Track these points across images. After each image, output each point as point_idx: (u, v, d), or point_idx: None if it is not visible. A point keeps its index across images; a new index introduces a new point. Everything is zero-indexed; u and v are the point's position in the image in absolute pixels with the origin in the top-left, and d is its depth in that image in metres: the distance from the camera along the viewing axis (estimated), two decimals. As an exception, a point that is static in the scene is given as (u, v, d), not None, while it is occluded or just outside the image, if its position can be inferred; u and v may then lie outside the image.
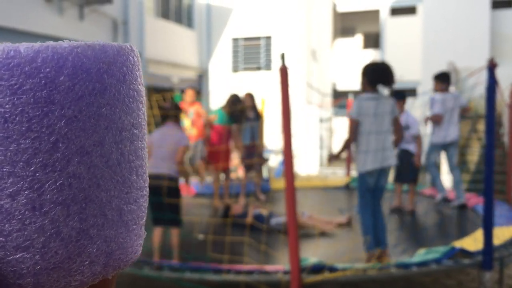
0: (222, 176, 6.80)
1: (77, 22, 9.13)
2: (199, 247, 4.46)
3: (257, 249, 4.27)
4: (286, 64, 3.23)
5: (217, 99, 14.37)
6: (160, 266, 3.55)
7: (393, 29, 16.38)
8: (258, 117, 7.20)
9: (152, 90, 6.22)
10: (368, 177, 4.01)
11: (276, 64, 14.02)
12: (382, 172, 4.03)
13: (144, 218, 0.41)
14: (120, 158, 0.38)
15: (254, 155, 6.81)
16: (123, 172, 0.38)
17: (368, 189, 4.03)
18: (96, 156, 0.36)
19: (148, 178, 0.41)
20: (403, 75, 13.73)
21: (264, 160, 7.53)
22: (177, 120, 4.72)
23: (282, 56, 3.21)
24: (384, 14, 16.73)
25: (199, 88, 14.53)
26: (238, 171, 10.18)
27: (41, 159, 0.34)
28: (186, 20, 14.05)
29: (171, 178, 4.30)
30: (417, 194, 6.83)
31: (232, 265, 3.61)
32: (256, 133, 6.99)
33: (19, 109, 0.34)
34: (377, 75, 4.00)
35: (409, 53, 15.59)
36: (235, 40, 14.72)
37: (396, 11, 16.85)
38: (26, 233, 0.34)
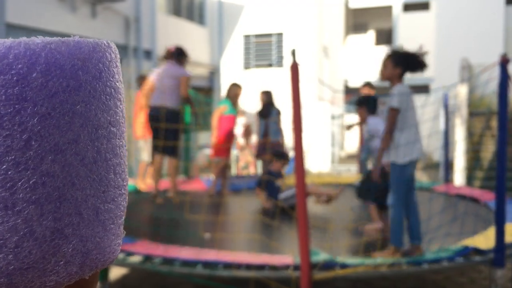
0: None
1: (89, 19, 9.19)
2: (207, 245, 4.48)
3: (268, 243, 4.27)
4: (297, 60, 3.22)
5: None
6: (170, 261, 3.57)
7: (406, 25, 16.27)
8: (277, 114, 7.21)
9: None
10: (409, 168, 3.92)
11: (287, 61, 14.00)
12: (415, 163, 4.00)
13: (123, 218, 0.40)
14: (96, 156, 0.37)
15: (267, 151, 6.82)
16: (100, 171, 0.37)
17: (406, 180, 3.95)
18: (70, 154, 0.35)
19: (127, 176, 0.41)
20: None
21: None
22: (179, 60, 5.48)
23: (293, 53, 3.20)
24: (397, 10, 16.61)
25: (211, 85, 14.56)
26: (249, 167, 10.19)
27: (13, 157, 0.33)
28: (197, 17, 14.07)
29: (172, 111, 5.23)
30: (431, 190, 6.79)
31: (242, 257, 3.61)
32: (272, 130, 6.97)
33: None
34: (412, 65, 3.92)
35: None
36: (247, 37, 14.72)
37: (408, 7, 16.72)
38: None
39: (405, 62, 3.89)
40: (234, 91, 6.54)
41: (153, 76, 5.68)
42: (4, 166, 0.33)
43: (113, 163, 0.38)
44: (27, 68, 0.34)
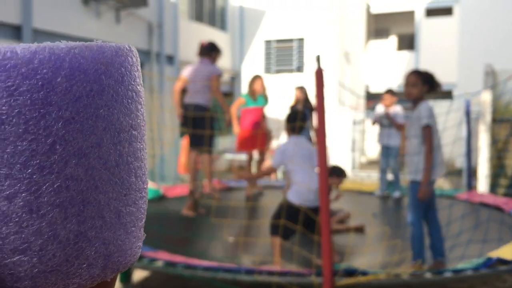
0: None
1: (113, 25, 9.33)
2: (230, 249, 4.50)
3: (289, 249, 4.27)
4: (321, 66, 3.23)
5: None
6: (193, 265, 3.60)
7: (429, 30, 16.11)
8: (310, 110, 7.17)
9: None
10: (432, 185, 3.96)
11: (309, 66, 13.99)
12: (435, 182, 4.04)
13: (143, 220, 0.40)
14: (119, 159, 0.37)
15: None
16: (122, 174, 0.37)
17: (429, 198, 3.94)
18: (94, 158, 0.35)
19: (147, 179, 0.41)
20: (438, 77, 13.50)
21: None
22: (210, 56, 5.57)
23: (318, 59, 3.21)
24: (419, 15, 16.47)
25: (231, 90, 14.62)
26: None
27: (38, 161, 0.34)
28: (219, 23, 14.16)
29: (201, 106, 5.39)
30: (453, 198, 6.71)
31: (264, 266, 3.63)
32: (306, 127, 6.94)
33: (16, 110, 0.33)
34: (434, 83, 3.99)
35: (445, 55, 15.30)
36: (268, 42, 14.76)
37: (431, 12, 16.57)
38: (23, 235, 0.34)
39: (430, 80, 3.96)
40: (251, 84, 6.60)
41: (185, 72, 5.69)
42: (30, 170, 0.33)
43: (134, 166, 0.38)
44: (52, 73, 0.34)
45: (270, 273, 3.46)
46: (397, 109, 7.13)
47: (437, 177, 3.98)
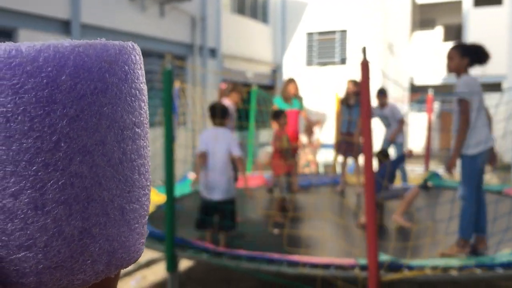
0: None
1: (158, 19, 9.47)
2: (275, 241, 4.52)
3: (333, 242, 4.25)
4: (367, 58, 3.18)
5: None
6: (237, 256, 3.63)
7: (477, 21, 15.59)
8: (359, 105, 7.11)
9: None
10: (481, 158, 3.86)
11: (352, 58, 13.80)
12: (487, 154, 3.94)
13: (147, 217, 0.41)
14: (122, 157, 0.37)
15: (352, 145, 6.72)
16: (125, 171, 0.38)
17: (479, 171, 3.87)
18: (98, 155, 0.36)
19: (150, 177, 0.41)
20: (487, 69, 13.06)
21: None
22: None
23: (364, 50, 3.16)
24: (467, 5, 15.95)
25: (273, 83, 14.60)
26: (310, 166, 10.15)
27: (43, 158, 0.34)
28: (261, 16, 14.16)
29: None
30: (501, 193, 6.50)
31: (308, 257, 3.62)
32: (354, 121, 6.81)
33: (21, 108, 0.33)
34: (478, 55, 3.89)
35: (494, 46, 14.74)
36: (310, 34, 14.65)
37: (480, 2, 16.02)
38: (28, 232, 0.34)
39: (471, 52, 3.86)
40: (285, 87, 6.57)
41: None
42: (35, 167, 0.34)
43: (137, 164, 0.39)
44: (57, 71, 0.34)
45: (314, 265, 3.45)
46: (390, 108, 7.21)
47: (486, 147, 3.85)
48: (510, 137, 7.95)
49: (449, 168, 3.96)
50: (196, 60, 10.59)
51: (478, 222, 3.98)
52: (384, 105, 7.24)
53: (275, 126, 5.66)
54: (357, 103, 6.71)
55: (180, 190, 5.90)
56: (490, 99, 5.88)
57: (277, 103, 6.60)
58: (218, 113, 4.38)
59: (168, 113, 3.90)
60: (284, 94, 6.57)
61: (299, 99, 6.70)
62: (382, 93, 7.23)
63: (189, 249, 3.81)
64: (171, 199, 3.87)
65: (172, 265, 3.77)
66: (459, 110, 3.85)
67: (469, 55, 3.88)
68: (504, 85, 13.49)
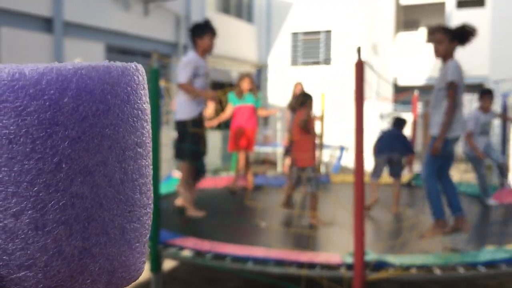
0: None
1: (142, 17, 9.40)
2: (261, 234, 4.50)
3: (317, 240, 4.25)
4: (361, 58, 3.18)
5: (275, 94, 14.39)
6: (222, 256, 3.61)
7: (460, 22, 15.75)
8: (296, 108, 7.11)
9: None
10: (452, 143, 3.96)
11: (336, 58, 13.84)
12: (457, 140, 4.02)
13: (148, 236, 0.41)
14: (123, 177, 0.38)
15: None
16: (126, 191, 0.38)
17: (446, 156, 3.95)
18: (99, 176, 0.36)
19: (152, 195, 0.41)
20: (470, 69, 13.22)
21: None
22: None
23: (358, 50, 3.16)
24: (450, 6, 16.13)
25: (257, 82, 14.60)
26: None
27: (44, 179, 0.34)
28: (246, 15, 14.14)
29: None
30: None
31: (293, 254, 3.61)
32: None
33: (24, 130, 0.34)
34: (466, 37, 3.95)
35: (477, 47, 14.93)
36: (295, 34, 14.67)
37: (462, 3, 16.21)
38: (29, 252, 0.35)
39: (459, 35, 3.92)
40: (238, 82, 6.58)
41: None
42: (36, 188, 0.34)
43: (139, 183, 0.39)
44: (59, 94, 0.35)
45: (300, 265, 3.44)
46: (492, 112, 6.65)
47: (458, 134, 3.96)
48: (493, 138, 8.04)
49: (434, 151, 4.00)
50: (180, 59, 10.53)
51: (450, 203, 4.05)
52: (489, 109, 6.11)
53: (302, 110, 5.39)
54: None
55: (164, 189, 5.86)
56: (473, 101, 5.94)
57: (230, 98, 6.61)
58: None
59: (155, 112, 3.87)
60: (236, 89, 6.56)
61: (254, 94, 6.67)
62: (489, 95, 6.14)
63: (171, 247, 3.78)
64: (156, 198, 3.83)
65: (156, 266, 3.73)
66: (446, 93, 3.91)
67: (457, 38, 3.94)
68: (486, 86, 13.66)
